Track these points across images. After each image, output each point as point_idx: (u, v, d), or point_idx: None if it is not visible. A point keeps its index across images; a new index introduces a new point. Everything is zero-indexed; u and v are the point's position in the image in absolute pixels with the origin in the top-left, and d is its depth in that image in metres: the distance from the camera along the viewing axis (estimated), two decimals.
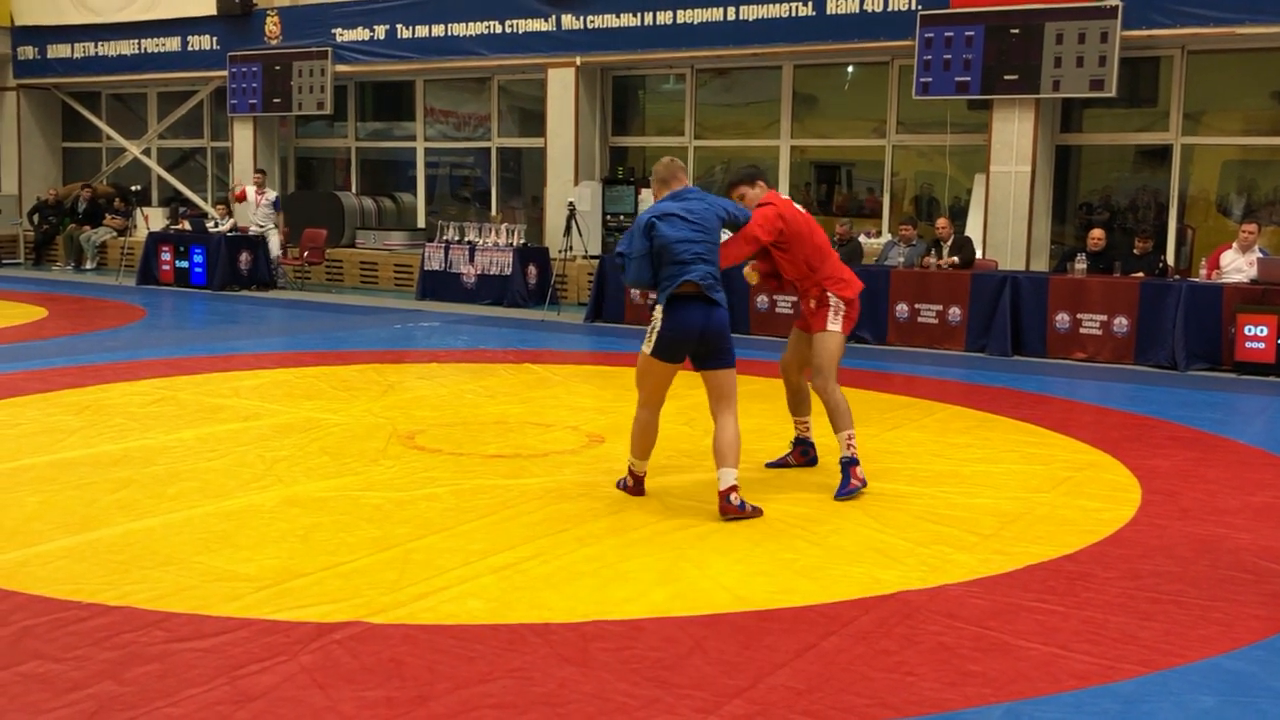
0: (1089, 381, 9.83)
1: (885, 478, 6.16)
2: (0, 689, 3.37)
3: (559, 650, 3.72)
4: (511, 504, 5.47)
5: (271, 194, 16.77)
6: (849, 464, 5.87)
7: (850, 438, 5.89)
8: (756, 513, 5.45)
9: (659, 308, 5.47)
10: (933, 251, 12.03)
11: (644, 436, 5.70)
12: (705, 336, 5.44)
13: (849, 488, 5.80)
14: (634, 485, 5.79)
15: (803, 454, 6.49)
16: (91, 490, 5.54)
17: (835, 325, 6.00)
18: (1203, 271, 11.33)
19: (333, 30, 17.33)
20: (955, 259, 11.84)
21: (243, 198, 16.69)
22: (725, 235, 5.79)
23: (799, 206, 6.15)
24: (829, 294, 6.02)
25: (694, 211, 5.52)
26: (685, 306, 5.41)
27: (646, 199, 15.09)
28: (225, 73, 18.31)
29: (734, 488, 5.42)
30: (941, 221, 12.32)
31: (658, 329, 5.46)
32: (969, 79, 12.83)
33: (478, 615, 4.02)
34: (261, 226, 16.63)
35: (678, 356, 5.52)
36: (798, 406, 6.46)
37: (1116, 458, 6.75)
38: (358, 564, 4.54)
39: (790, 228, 5.91)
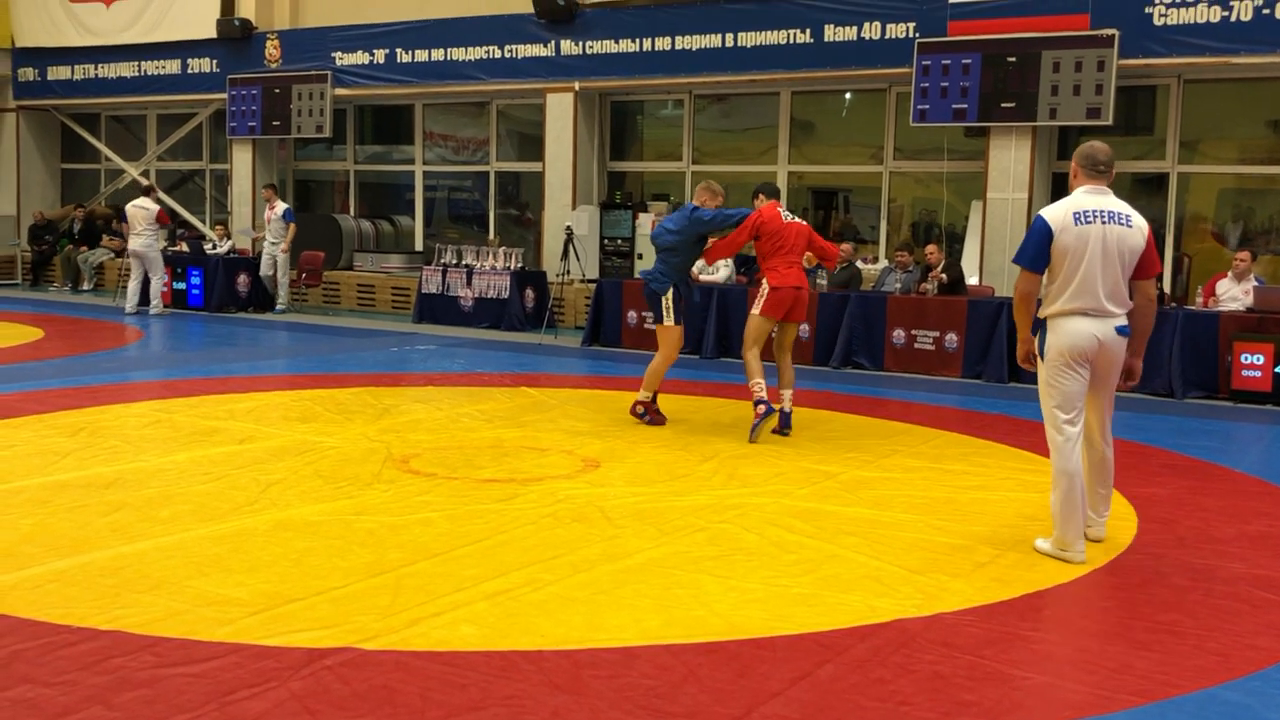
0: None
1: (880, 505, 6.15)
2: None
3: (551, 678, 3.70)
4: (505, 529, 5.45)
5: (281, 205, 16.44)
6: (756, 404, 7.79)
7: (756, 385, 7.83)
8: (657, 420, 8.25)
9: None
10: (928, 279, 12.07)
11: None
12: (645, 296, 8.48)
13: (754, 426, 7.76)
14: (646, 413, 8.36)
15: (779, 420, 8.02)
16: (84, 513, 5.52)
17: (755, 309, 8.02)
18: (1199, 299, 11.34)
19: (332, 54, 17.40)
20: (943, 276, 11.89)
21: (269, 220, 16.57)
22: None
23: (787, 217, 8.12)
24: (763, 280, 8.01)
25: (675, 217, 8.38)
26: None
27: (644, 223, 15.17)
28: (225, 95, 18.37)
29: (643, 402, 8.27)
30: (931, 247, 12.37)
31: None
32: (966, 106, 12.88)
33: (470, 642, 4.00)
34: (274, 243, 16.34)
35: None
36: (781, 381, 8.16)
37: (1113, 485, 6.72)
38: (350, 589, 4.52)
39: (764, 228, 7.98)
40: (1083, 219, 5.11)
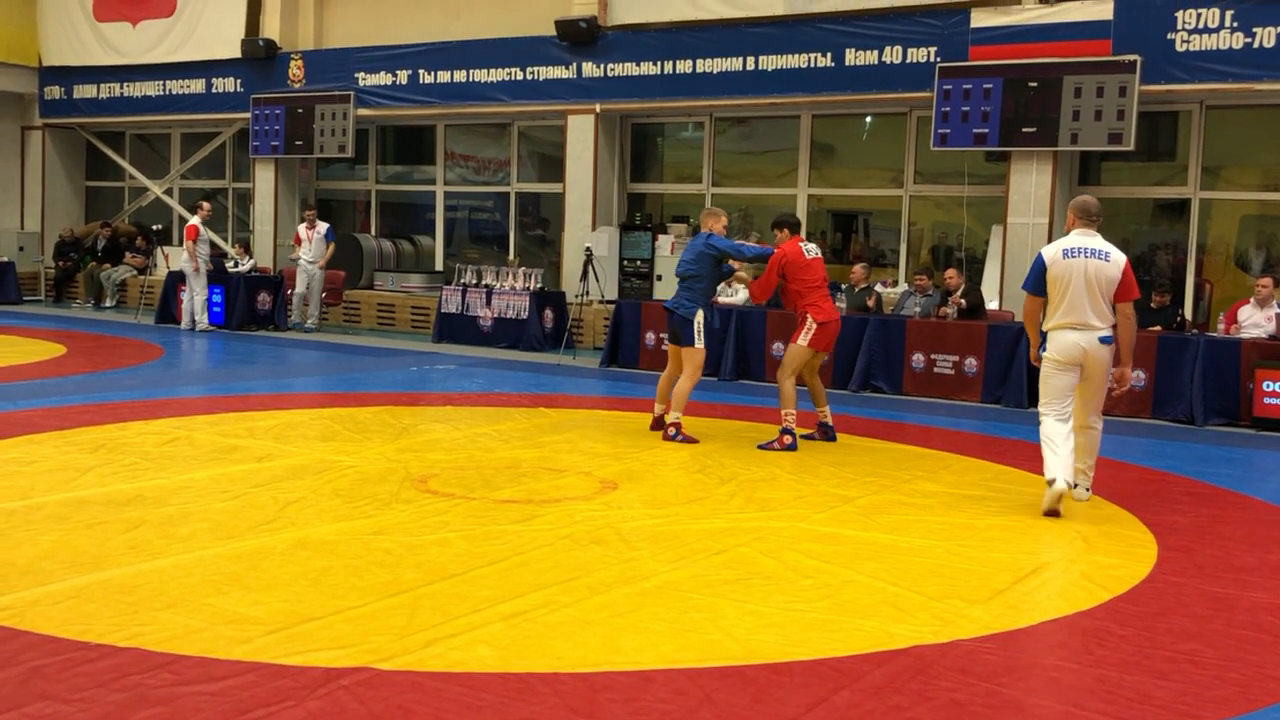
0: (1106, 436, 9.70)
1: (898, 530, 6.13)
2: None
3: (567, 701, 3.69)
4: (522, 550, 5.45)
5: (323, 225, 16.51)
6: (783, 431, 8.29)
7: (789, 415, 8.31)
8: (689, 440, 8.36)
9: None
10: (948, 304, 12.04)
11: (659, 386, 8.93)
12: (669, 324, 8.78)
13: (770, 444, 8.28)
14: (653, 423, 8.84)
15: (823, 433, 8.75)
16: (103, 530, 5.54)
17: (804, 340, 8.43)
18: (1221, 326, 11.28)
19: (355, 74, 17.52)
20: (962, 301, 11.87)
21: (299, 243, 16.57)
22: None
23: (809, 252, 8.58)
24: (807, 315, 8.43)
25: (691, 247, 8.80)
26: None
27: (663, 244, 15.22)
28: (248, 115, 18.51)
29: (674, 424, 8.48)
30: (950, 272, 12.35)
31: None
32: (987, 131, 12.88)
33: (486, 663, 4.00)
34: (312, 261, 16.36)
35: (669, 338, 8.89)
36: (816, 399, 8.84)
37: (1133, 513, 6.70)
38: (367, 609, 4.52)
39: (790, 264, 8.45)
40: (1070, 254, 6.56)
